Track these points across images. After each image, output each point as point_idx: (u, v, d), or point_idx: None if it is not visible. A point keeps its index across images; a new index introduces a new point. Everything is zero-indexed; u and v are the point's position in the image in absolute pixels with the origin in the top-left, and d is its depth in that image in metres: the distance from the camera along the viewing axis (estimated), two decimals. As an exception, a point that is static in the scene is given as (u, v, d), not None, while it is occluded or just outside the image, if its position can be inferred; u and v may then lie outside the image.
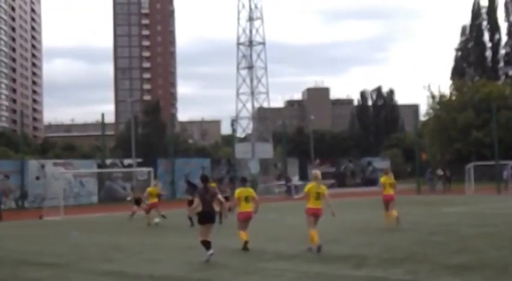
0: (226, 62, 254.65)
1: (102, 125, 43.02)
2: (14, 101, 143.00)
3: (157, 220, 22.36)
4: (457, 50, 78.41)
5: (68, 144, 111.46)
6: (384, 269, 10.40)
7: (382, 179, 18.54)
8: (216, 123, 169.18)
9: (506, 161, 41.18)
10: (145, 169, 35.61)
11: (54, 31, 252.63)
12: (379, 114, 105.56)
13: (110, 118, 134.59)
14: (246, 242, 13.34)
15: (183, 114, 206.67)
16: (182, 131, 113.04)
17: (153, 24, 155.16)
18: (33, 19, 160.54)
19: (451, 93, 65.83)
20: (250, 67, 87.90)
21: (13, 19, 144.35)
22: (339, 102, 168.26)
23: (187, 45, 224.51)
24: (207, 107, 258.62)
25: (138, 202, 25.23)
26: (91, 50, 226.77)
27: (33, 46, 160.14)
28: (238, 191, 13.91)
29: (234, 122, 72.75)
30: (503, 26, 77.15)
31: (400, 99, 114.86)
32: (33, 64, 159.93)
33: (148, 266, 11.69)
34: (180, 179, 42.13)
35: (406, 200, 32.16)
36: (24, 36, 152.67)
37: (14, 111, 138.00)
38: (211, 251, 11.96)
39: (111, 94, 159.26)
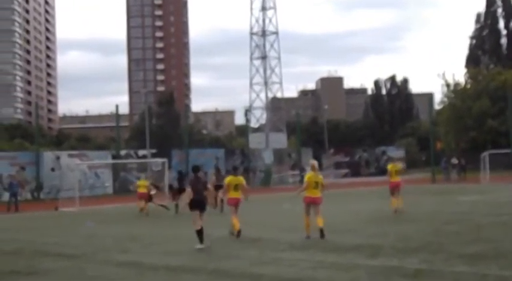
0: (240, 52, 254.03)
1: (117, 116, 43.24)
2: (29, 93, 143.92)
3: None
4: (472, 37, 77.50)
5: (82, 135, 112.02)
6: (398, 258, 10.38)
7: (389, 167, 19.68)
8: (230, 113, 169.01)
9: (521, 150, 40.86)
10: (159, 160, 35.80)
11: (68, 23, 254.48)
12: (393, 103, 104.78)
13: (124, 109, 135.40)
14: (238, 232, 13.98)
15: (197, 105, 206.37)
16: (196, 122, 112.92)
17: (166, 15, 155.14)
18: (47, 11, 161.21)
19: (466, 82, 65.23)
20: (264, 57, 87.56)
21: (27, 11, 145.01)
22: (353, 92, 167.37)
23: (201, 35, 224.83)
24: (221, 98, 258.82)
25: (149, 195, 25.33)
26: (105, 41, 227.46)
27: (48, 38, 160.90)
28: (229, 179, 14.73)
29: (247, 112, 72.72)
30: (518, 12, 76.30)
31: (414, 88, 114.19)
32: (48, 56, 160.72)
33: (164, 257, 11.77)
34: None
35: (421, 189, 32.08)
36: (38, 28, 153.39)
37: (29, 103, 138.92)
38: (201, 246, 12.47)
39: (125, 85, 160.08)
